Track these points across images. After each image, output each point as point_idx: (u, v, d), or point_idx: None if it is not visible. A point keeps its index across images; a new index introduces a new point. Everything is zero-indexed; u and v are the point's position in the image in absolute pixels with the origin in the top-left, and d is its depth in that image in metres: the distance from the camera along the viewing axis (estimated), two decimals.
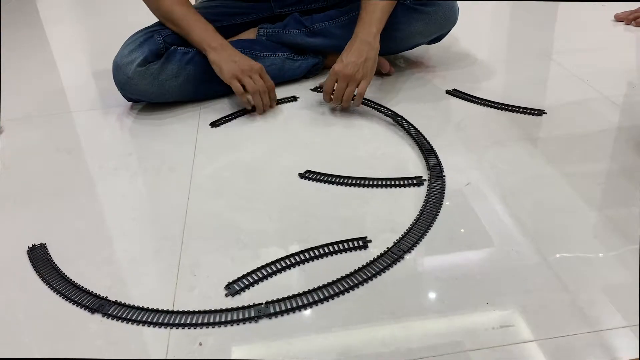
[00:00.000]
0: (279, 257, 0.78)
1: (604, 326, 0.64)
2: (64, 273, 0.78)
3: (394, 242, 0.78)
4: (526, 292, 0.70)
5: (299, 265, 0.77)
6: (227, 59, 1.14)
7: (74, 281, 0.76)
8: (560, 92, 1.21)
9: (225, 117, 1.18)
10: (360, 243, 0.79)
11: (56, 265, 0.79)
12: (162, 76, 1.18)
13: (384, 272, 0.74)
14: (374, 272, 0.73)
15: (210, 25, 1.18)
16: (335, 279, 0.73)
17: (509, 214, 0.84)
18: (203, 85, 1.23)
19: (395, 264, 0.75)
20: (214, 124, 1.16)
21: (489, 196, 0.88)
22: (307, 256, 0.78)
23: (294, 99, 1.23)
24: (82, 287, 0.75)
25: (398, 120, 1.09)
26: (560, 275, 0.72)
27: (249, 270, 0.76)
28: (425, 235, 0.80)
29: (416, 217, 0.83)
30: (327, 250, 0.79)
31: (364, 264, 0.75)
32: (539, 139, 1.04)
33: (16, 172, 1.06)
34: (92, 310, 0.71)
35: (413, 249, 0.77)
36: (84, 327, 0.69)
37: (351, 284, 0.72)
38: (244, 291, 0.73)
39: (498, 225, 0.82)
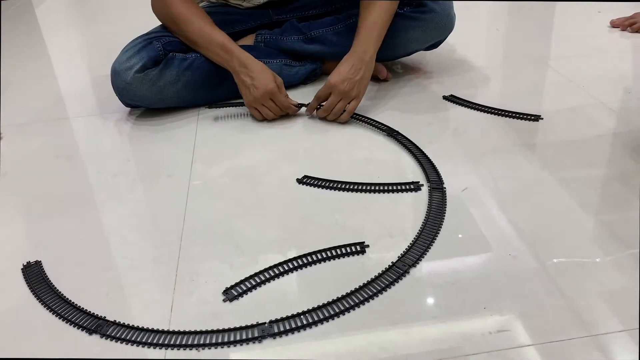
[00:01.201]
0: (277, 262, 0.78)
1: (601, 331, 0.64)
2: (60, 292, 0.76)
3: (398, 257, 0.77)
4: (523, 297, 0.70)
5: (296, 271, 0.77)
6: (246, 83, 1.14)
7: (71, 300, 0.75)
8: (557, 98, 1.22)
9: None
10: (358, 248, 0.80)
11: (52, 284, 0.78)
12: (160, 82, 1.18)
13: (389, 287, 0.73)
14: (379, 289, 0.72)
15: (227, 38, 1.17)
16: (340, 296, 0.71)
17: (506, 219, 0.84)
18: (201, 91, 1.24)
19: (400, 280, 0.74)
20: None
21: (486, 201, 0.89)
22: (305, 261, 0.78)
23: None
24: (80, 306, 0.73)
25: (394, 135, 1.09)
26: (557, 280, 0.72)
27: (247, 275, 0.76)
28: (429, 250, 0.79)
29: (418, 232, 0.82)
30: (325, 256, 0.79)
31: (370, 279, 0.74)
32: (535, 144, 1.04)
33: (15, 179, 1.07)
34: (90, 331, 0.70)
35: (417, 264, 0.76)
36: (82, 349, 0.68)
37: (357, 301, 0.71)
38: (242, 296, 0.73)
39: (495, 230, 0.82)
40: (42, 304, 0.75)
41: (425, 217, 0.85)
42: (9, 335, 0.71)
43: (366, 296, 0.71)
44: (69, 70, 1.64)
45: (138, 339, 0.68)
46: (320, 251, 0.79)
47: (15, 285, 0.79)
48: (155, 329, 0.69)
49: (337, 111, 1.14)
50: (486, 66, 1.40)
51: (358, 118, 1.16)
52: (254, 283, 0.75)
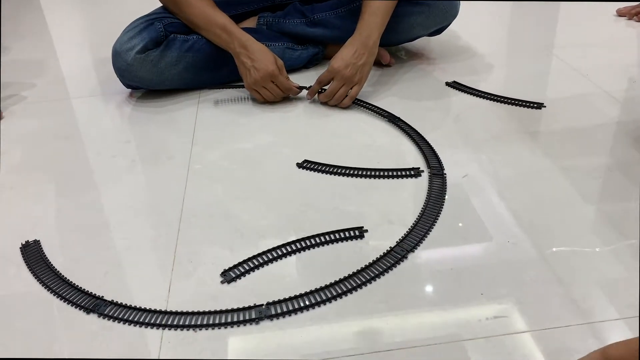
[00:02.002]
0: (276, 245, 0.78)
1: (597, 318, 0.64)
2: (58, 271, 0.76)
3: (396, 242, 0.77)
4: (521, 284, 0.70)
5: (295, 254, 0.77)
6: (247, 65, 1.13)
7: (69, 280, 0.75)
8: (560, 86, 1.21)
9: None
10: (357, 233, 0.80)
11: (50, 263, 0.78)
12: (161, 63, 1.17)
13: (387, 272, 0.73)
14: (377, 273, 0.72)
15: (228, 20, 1.16)
16: (338, 279, 0.71)
17: (506, 207, 0.84)
18: (202, 73, 1.23)
19: (397, 265, 0.74)
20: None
21: (486, 188, 0.88)
22: (304, 245, 0.78)
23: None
24: (78, 286, 0.73)
25: (396, 121, 1.08)
26: (555, 268, 0.72)
27: (246, 257, 0.76)
28: (427, 236, 0.78)
29: (417, 218, 0.82)
30: (323, 240, 0.79)
31: (368, 263, 0.74)
32: (537, 132, 1.04)
33: (14, 159, 1.06)
34: (88, 310, 0.70)
35: (415, 249, 0.76)
36: (80, 327, 0.68)
37: (354, 285, 0.71)
38: (240, 278, 0.73)
39: (495, 218, 0.82)
40: (40, 283, 0.75)
41: (425, 203, 0.85)
42: (6, 313, 0.71)
43: (364, 280, 0.71)
44: (70, 51, 1.63)
45: (135, 319, 0.68)
46: (318, 235, 0.79)
47: (14, 265, 0.79)
48: (152, 309, 0.69)
49: (339, 96, 1.13)
50: (490, 53, 1.39)
51: (360, 103, 1.16)
52: (252, 265, 0.75)
